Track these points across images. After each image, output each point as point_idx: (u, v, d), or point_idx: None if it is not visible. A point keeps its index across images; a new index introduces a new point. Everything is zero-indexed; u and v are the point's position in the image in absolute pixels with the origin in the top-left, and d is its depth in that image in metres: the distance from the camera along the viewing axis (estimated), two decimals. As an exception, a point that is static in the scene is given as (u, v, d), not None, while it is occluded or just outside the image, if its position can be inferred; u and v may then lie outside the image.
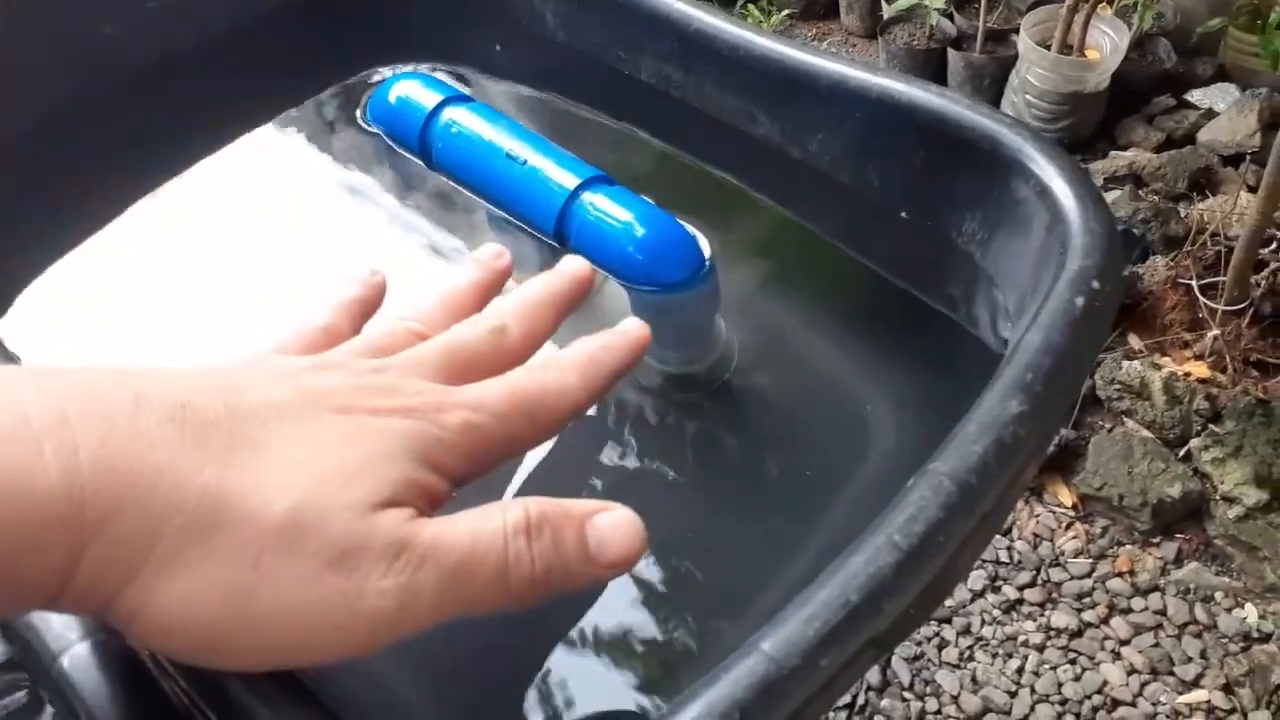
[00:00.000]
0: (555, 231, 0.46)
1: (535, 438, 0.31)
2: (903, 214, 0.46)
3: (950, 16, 1.87)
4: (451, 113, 0.49)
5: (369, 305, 0.36)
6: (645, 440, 0.44)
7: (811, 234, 0.50)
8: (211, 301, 0.50)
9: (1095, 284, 0.35)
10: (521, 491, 0.42)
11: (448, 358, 0.31)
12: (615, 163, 0.50)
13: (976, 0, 1.81)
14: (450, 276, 0.38)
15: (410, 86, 0.51)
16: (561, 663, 0.37)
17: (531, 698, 0.36)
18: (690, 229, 0.46)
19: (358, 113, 0.56)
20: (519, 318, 0.34)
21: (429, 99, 0.50)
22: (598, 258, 0.45)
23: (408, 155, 0.53)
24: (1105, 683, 1.16)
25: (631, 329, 0.35)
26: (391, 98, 0.52)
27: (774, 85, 0.47)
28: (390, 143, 0.53)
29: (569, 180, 0.45)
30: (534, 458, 0.43)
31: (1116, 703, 1.14)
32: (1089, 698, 1.15)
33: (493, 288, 0.37)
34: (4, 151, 0.53)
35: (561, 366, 0.32)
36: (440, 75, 0.58)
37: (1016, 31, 1.73)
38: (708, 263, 0.45)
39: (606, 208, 0.45)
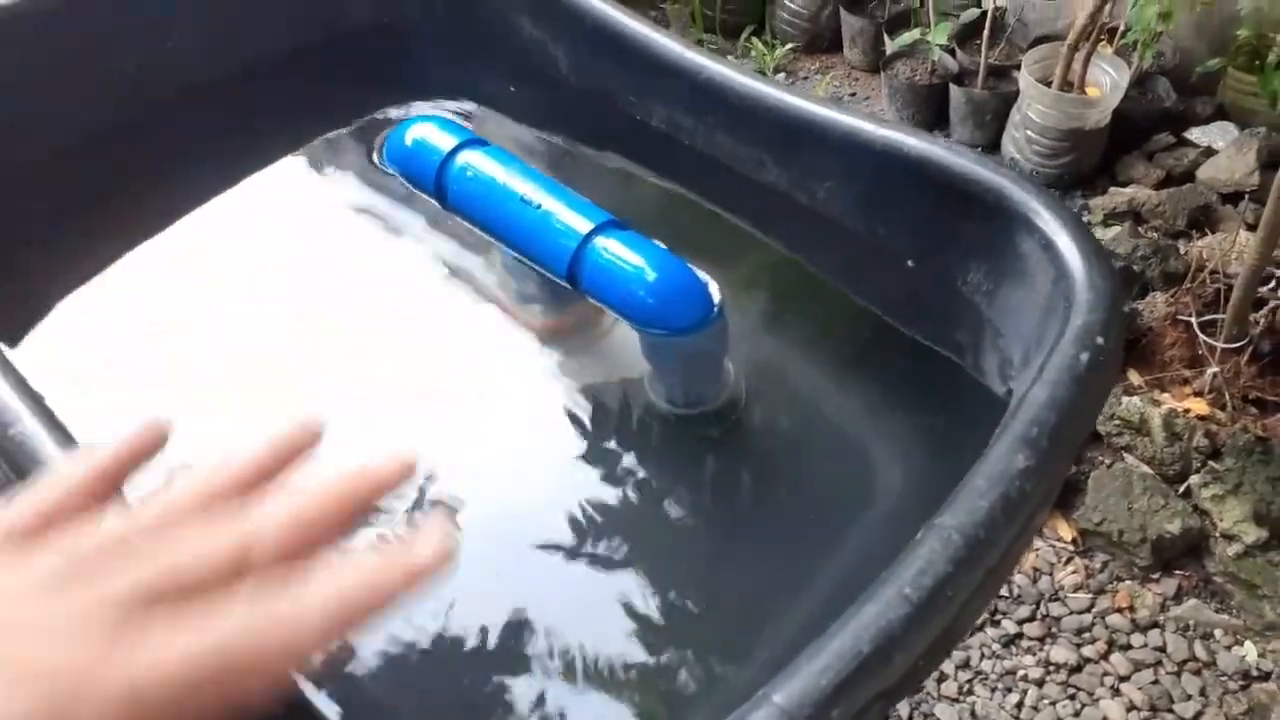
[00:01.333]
0: (568, 274, 0.47)
1: (226, 708, 0.24)
2: (909, 262, 0.47)
3: (952, 52, 1.89)
4: (467, 156, 0.50)
5: (115, 480, 0.30)
6: (652, 479, 0.44)
7: (819, 280, 0.51)
8: (219, 334, 0.50)
9: (1099, 339, 0.35)
10: (523, 528, 0.42)
11: (151, 589, 0.25)
12: (626, 205, 0.51)
13: (978, 37, 1.83)
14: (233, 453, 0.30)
15: (426, 129, 0.52)
16: (562, 699, 0.37)
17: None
18: (701, 274, 0.47)
19: (374, 154, 0.57)
20: (279, 537, 0.26)
21: (445, 142, 0.51)
22: (609, 300, 0.46)
23: (423, 196, 0.53)
24: (1104, 719, 1.16)
25: (417, 560, 0.27)
26: (408, 140, 0.53)
27: (783, 134, 0.48)
28: (405, 184, 0.54)
29: (582, 225, 0.46)
30: (538, 495, 0.44)
31: (1116, 740, 1.14)
32: (1088, 734, 1.15)
33: (270, 473, 0.30)
34: (18, 185, 0.54)
35: (301, 609, 0.25)
36: (450, 114, 0.59)
37: (1018, 68, 1.75)
38: (717, 308, 0.46)
39: (619, 252, 0.45)
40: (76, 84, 0.57)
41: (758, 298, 0.51)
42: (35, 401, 0.35)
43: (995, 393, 0.44)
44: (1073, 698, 1.18)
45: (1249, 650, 1.20)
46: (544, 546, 0.42)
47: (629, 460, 0.45)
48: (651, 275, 0.45)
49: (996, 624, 1.25)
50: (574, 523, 0.43)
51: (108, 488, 0.29)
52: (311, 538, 0.27)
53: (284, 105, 0.63)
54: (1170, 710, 1.16)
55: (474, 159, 0.50)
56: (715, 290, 0.47)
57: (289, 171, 0.59)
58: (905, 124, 0.45)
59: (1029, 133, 1.73)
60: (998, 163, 0.43)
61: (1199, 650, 1.19)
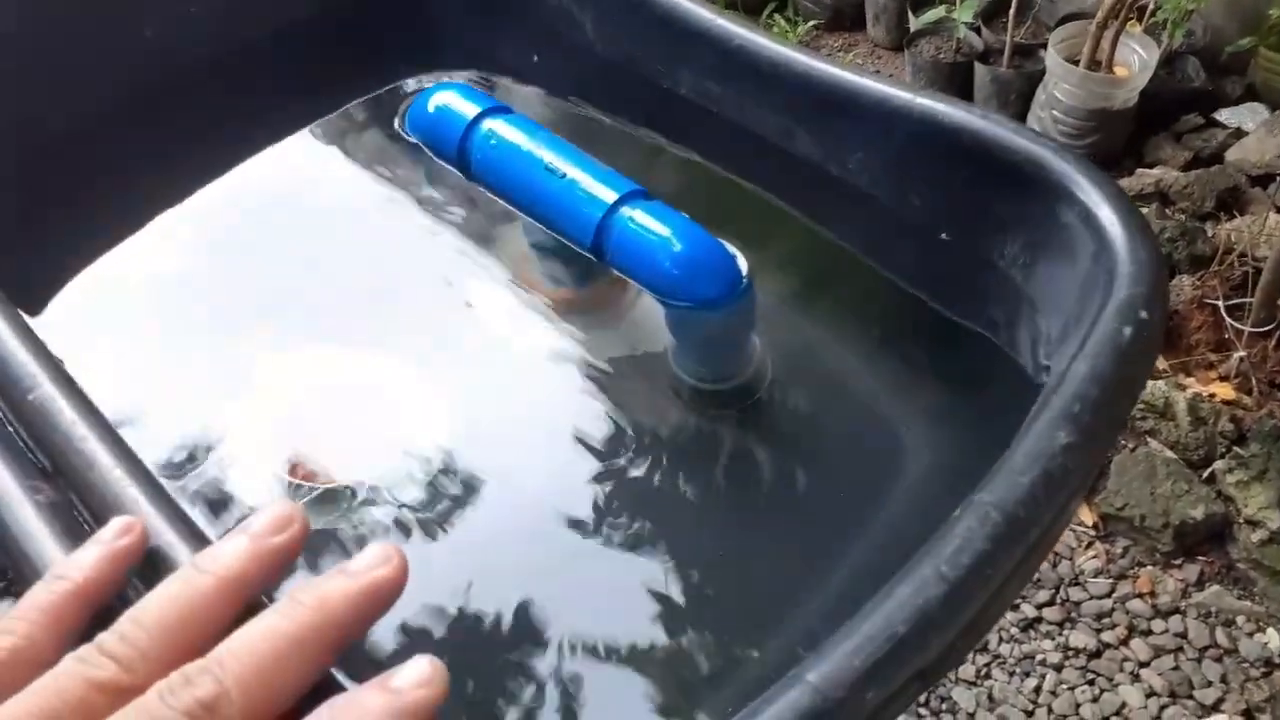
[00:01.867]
0: (593, 245, 0.46)
1: None
2: (943, 235, 0.46)
3: (977, 30, 1.86)
4: (491, 124, 0.50)
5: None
6: (677, 456, 0.44)
7: (848, 253, 0.50)
8: (240, 306, 0.50)
9: (1143, 313, 0.34)
10: (542, 502, 0.42)
11: None
12: (650, 176, 0.50)
13: (1004, 14, 1.80)
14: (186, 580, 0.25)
15: (449, 97, 0.51)
16: (579, 678, 0.37)
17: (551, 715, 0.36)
18: (728, 246, 0.46)
19: (395, 121, 0.56)
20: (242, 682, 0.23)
21: (468, 109, 0.50)
22: (635, 272, 0.45)
23: (445, 165, 0.53)
24: (1124, 705, 1.15)
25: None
26: (430, 107, 0.52)
27: (815, 103, 0.47)
28: (429, 152, 0.53)
29: (607, 194, 0.45)
30: (558, 470, 0.43)
31: (1134, 725, 1.13)
32: (1107, 719, 1.14)
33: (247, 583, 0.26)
34: (41, 153, 0.54)
35: None
36: (473, 83, 0.59)
37: (1044, 47, 1.72)
38: (745, 280, 0.45)
39: (644, 222, 0.44)
40: (98, 50, 0.56)
41: (785, 272, 0.50)
42: (54, 367, 0.35)
43: (1027, 370, 0.43)
44: (1091, 683, 1.17)
45: (1271, 637, 1.18)
46: (563, 522, 0.42)
47: (652, 436, 0.44)
48: (678, 246, 0.44)
49: (1015, 608, 1.24)
50: (594, 498, 0.42)
51: (86, 610, 0.27)
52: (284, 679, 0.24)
53: (306, 75, 0.62)
54: (1190, 697, 1.15)
55: (498, 127, 0.49)
56: (743, 263, 0.46)
57: (310, 142, 0.58)
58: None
59: (1054, 112, 1.71)
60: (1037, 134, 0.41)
61: (1220, 637, 1.18)
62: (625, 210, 0.45)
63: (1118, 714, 1.14)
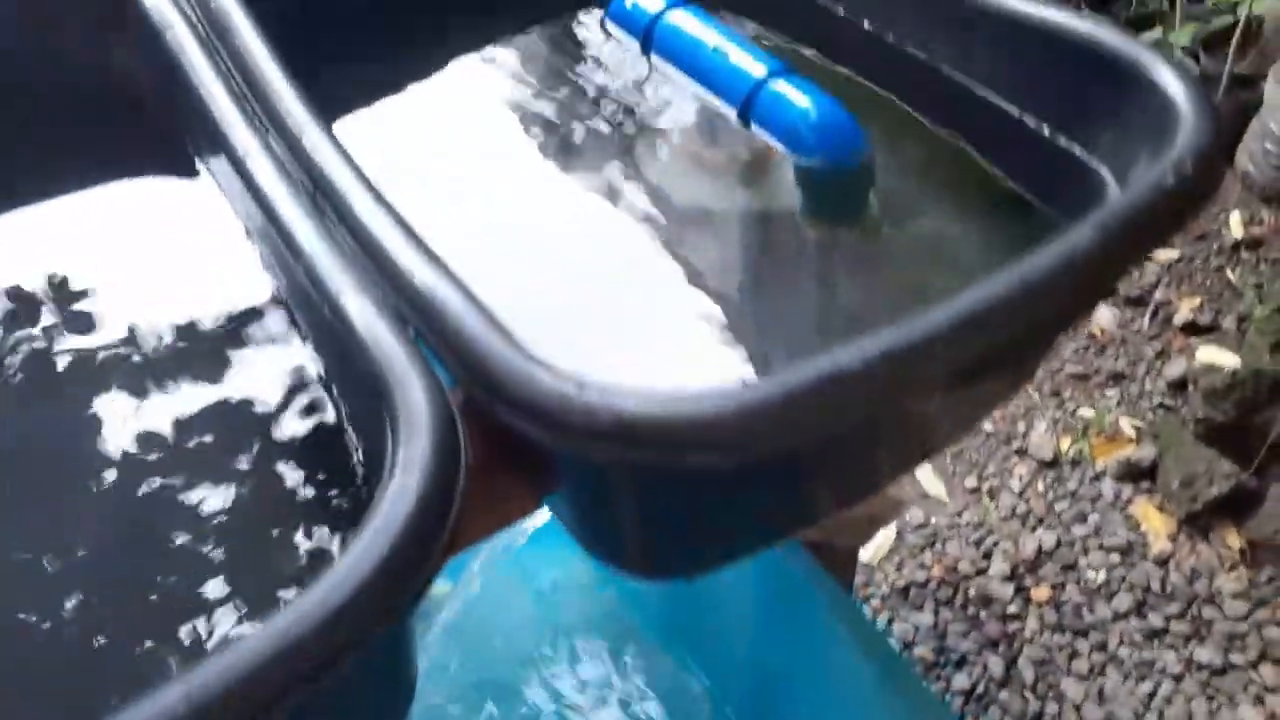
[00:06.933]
0: (740, 110, 0.55)
1: None
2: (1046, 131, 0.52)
3: (1195, 57, 1.83)
4: (671, 15, 0.59)
5: None
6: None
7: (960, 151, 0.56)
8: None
9: (1188, 166, 0.40)
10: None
11: None
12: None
13: (1227, 45, 1.77)
14: None
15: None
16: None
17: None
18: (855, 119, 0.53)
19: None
20: None
21: (654, 4, 0.60)
22: (775, 132, 0.54)
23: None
24: (1242, 724, 1.13)
25: None
26: (627, 4, 0.62)
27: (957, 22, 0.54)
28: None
29: (758, 69, 0.54)
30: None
31: (1250, 746, 1.11)
32: (1221, 735, 1.12)
33: None
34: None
35: None
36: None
37: (1264, 78, 1.68)
38: (868, 146, 0.53)
39: (787, 91, 0.53)
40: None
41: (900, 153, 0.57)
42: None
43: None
44: (1211, 698, 1.15)
45: None
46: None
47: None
48: (814, 114, 0.52)
49: (1143, 616, 1.23)
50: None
51: None
52: None
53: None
54: (1314, 726, 1.11)
55: (676, 16, 0.59)
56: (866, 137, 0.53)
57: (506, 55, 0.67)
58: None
59: (1267, 145, 1.67)
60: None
61: (1358, 674, 1.14)
62: (771, 83, 0.54)
63: (1234, 732, 1.12)
